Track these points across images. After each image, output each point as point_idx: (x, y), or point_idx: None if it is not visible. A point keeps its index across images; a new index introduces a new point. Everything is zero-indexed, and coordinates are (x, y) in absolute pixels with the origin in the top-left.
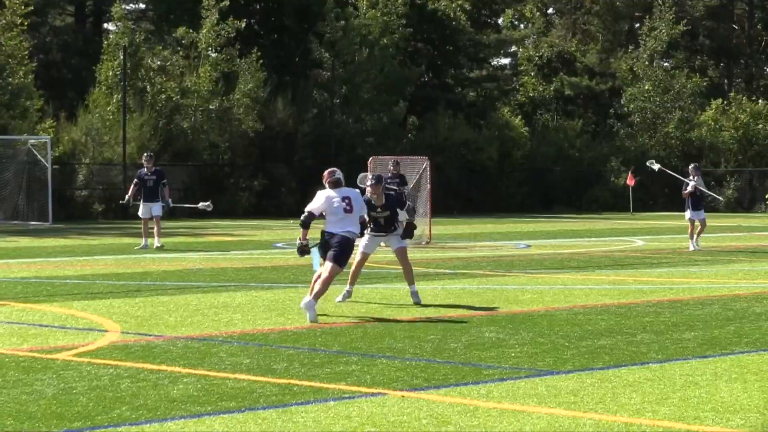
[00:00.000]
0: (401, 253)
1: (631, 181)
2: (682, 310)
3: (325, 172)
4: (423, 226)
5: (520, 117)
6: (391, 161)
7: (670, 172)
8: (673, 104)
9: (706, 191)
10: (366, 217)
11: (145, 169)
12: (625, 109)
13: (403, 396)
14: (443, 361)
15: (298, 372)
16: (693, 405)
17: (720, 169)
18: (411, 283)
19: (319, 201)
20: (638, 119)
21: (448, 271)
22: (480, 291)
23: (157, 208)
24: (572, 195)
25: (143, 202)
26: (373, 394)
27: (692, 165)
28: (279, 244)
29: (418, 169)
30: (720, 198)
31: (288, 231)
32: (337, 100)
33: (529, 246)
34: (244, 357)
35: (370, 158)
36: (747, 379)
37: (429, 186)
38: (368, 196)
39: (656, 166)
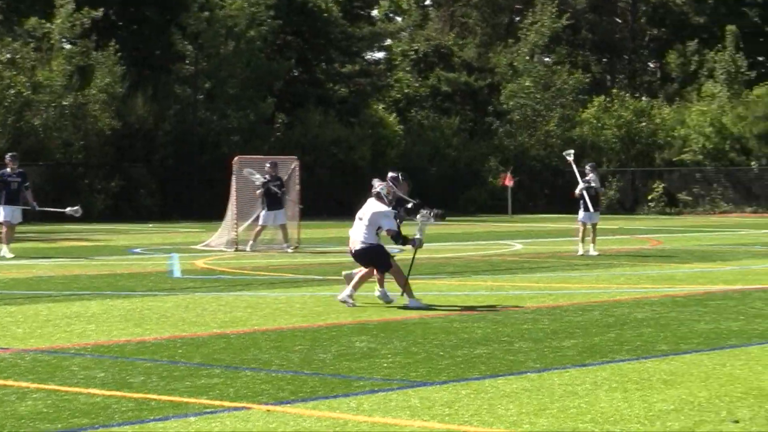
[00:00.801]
0: None
1: (508, 182)
2: (561, 317)
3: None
4: (291, 229)
5: (394, 114)
6: (267, 162)
7: (575, 168)
8: (554, 101)
9: (582, 192)
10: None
11: (9, 170)
12: (504, 106)
13: (268, 410)
14: (311, 373)
15: (157, 386)
16: (572, 416)
17: (602, 169)
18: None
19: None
20: (518, 117)
21: (317, 277)
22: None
23: (19, 213)
24: (448, 196)
25: (5, 205)
26: (236, 409)
27: (589, 164)
28: (137, 250)
29: (287, 170)
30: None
31: (147, 235)
32: (201, 96)
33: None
34: (98, 370)
35: (236, 158)
36: (627, 388)
37: (298, 187)
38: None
39: (571, 157)
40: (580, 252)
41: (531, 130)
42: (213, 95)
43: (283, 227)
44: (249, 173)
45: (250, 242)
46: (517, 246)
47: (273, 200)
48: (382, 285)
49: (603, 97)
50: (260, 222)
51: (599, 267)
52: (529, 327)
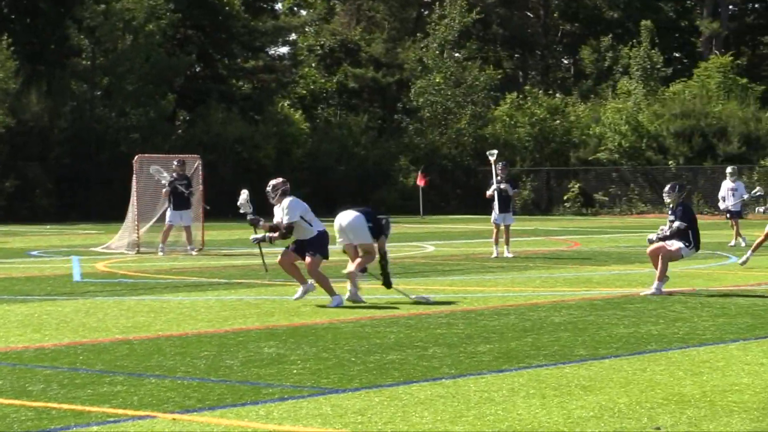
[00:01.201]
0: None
1: (421, 181)
2: (476, 321)
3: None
4: (195, 231)
5: (300, 111)
6: (175, 161)
7: (494, 169)
8: (466, 98)
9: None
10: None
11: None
12: (414, 103)
13: (174, 419)
14: (218, 380)
15: (57, 394)
16: (489, 423)
17: (515, 168)
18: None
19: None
20: (428, 114)
21: (222, 281)
22: (258, 302)
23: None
24: (357, 196)
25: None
26: (140, 417)
27: (501, 163)
28: (34, 252)
29: (189, 169)
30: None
31: (45, 237)
32: (98, 92)
33: None
34: None
35: (136, 156)
36: (545, 395)
37: (201, 187)
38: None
39: (494, 157)
40: (495, 254)
41: (442, 128)
42: (111, 91)
43: (188, 228)
44: (156, 171)
45: (161, 245)
46: (430, 248)
47: (180, 200)
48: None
49: (515, 94)
50: (167, 221)
51: (514, 269)
52: (443, 332)
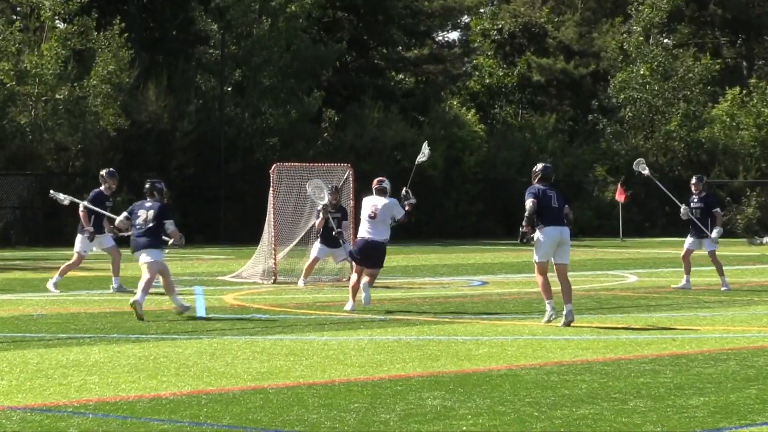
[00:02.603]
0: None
1: (620, 196)
2: (687, 368)
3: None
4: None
5: (473, 111)
6: (327, 187)
7: (659, 183)
8: (676, 94)
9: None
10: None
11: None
12: (614, 100)
13: None
14: None
15: None
16: None
17: (737, 181)
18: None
19: None
20: (630, 114)
21: (377, 317)
22: (420, 343)
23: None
24: None
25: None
26: None
27: (695, 177)
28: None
29: (337, 180)
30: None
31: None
32: (229, 88)
33: (486, 283)
34: None
35: (273, 166)
36: None
37: (351, 202)
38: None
39: (645, 171)
40: (681, 284)
41: (647, 131)
42: (244, 87)
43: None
44: (316, 189)
45: (302, 278)
46: (631, 278)
47: (329, 236)
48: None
49: (738, 89)
50: (314, 254)
51: (735, 304)
52: (647, 380)
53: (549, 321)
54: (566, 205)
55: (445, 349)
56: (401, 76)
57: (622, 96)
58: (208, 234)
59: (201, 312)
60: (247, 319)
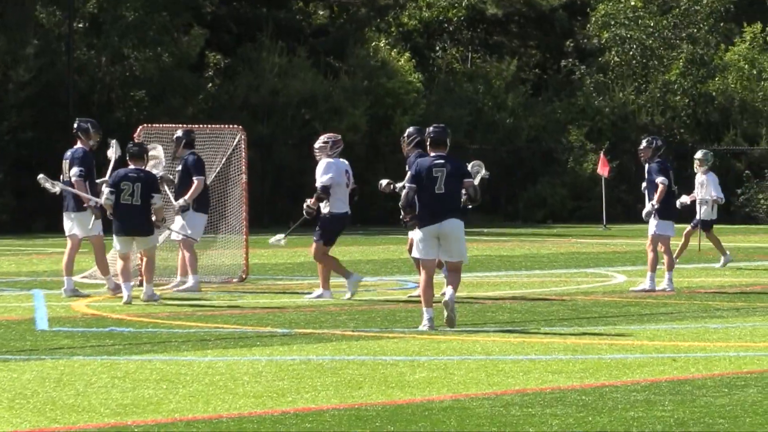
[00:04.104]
0: None
1: (604, 169)
2: (693, 398)
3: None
4: (234, 249)
5: (407, 55)
6: (181, 132)
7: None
8: (678, 33)
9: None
10: None
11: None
12: (595, 41)
13: None
14: None
15: None
16: None
17: (759, 148)
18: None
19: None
20: (617, 59)
21: (278, 331)
22: (336, 365)
23: None
24: (501, 192)
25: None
26: None
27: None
28: None
29: (223, 147)
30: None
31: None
32: (80, 25)
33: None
34: None
35: (139, 128)
36: None
37: (244, 177)
38: None
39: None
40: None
41: (639, 82)
42: (100, 23)
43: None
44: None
45: (191, 276)
46: (618, 278)
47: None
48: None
49: (760, 25)
50: (186, 234)
51: (755, 313)
52: (638, 414)
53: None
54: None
55: (369, 374)
56: (311, 8)
57: (606, 35)
58: (52, 219)
59: (42, 324)
60: (105, 334)
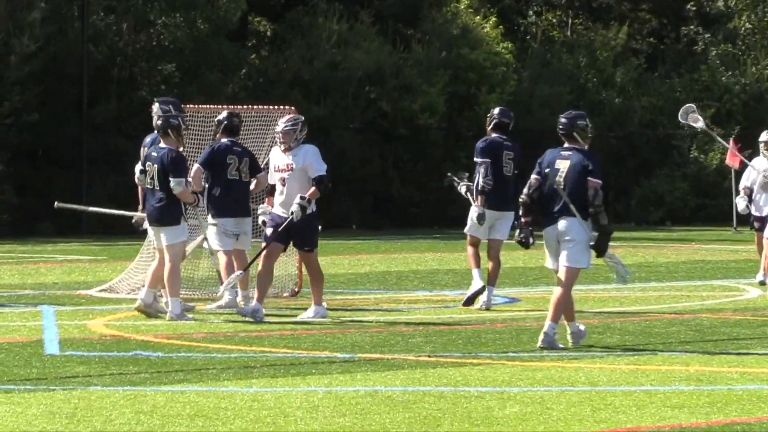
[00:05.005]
0: None
1: (734, 160)
2: None
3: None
4: (284, 257)
5: (493, 20)
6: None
7: (724, 143)
8: None
9: None
10: None
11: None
12: (720, 2)
13: None
14: None
15: None
16: None
17: None
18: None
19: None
20: (749, 26)
21: (339, 356)
22: (409, 398)
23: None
24: (606, 189)
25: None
26: None
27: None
28: None
29: (270, 133)
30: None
31: None
32: None
33: (516, 300)
34: None
35: (155, 102)
36: None
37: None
38: None
39: (699, 123)
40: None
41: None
42: None
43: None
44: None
45: (224, 289)
46: (752, 292)
47: (236, 192)
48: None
49: None
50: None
51: None
52: None
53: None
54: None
55: (449, 408)
56: None
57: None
58: (62, 220)
59: (51, 347)
60: (128, 359)
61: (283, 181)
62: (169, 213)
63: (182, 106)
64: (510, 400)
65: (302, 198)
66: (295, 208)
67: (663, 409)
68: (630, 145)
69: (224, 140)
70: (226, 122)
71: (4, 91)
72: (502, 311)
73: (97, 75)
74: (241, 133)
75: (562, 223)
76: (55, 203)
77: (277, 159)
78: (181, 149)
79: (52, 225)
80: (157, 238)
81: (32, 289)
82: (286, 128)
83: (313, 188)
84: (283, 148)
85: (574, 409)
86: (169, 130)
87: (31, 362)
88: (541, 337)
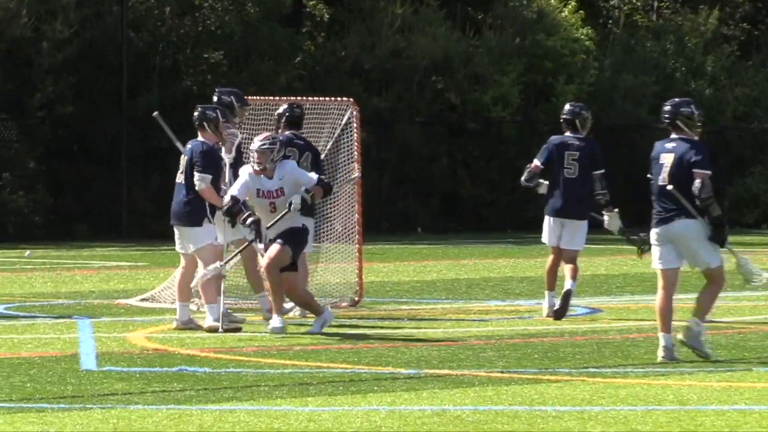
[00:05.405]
0: None
1: None
2: None
3: None
4: (344, 263)
5: (573, 3)
6: (286, 106)
7: None
8: None
9: None
10: None
11: None
12: None
13: None
14: None
15: None
16: None
17: None
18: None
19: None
20: None
21: (404, 371)
22: (481, 418)
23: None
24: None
25: None
26: None
27: None
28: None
29: (328, 127)
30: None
31: (21, 274)
32: None
33: (598, 311)
34: None
35: (216, 92)
36: None
37: (357, 167)
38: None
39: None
40: None
41: None
42: None
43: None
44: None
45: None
46: None
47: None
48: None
49: None
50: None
51: None
52: None
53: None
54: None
55: (524, 429)
56: None
57: None
58: (100, 222)
59: (88, 362)
60: (172, 375)
61: (273, 206)
62: (191, 212)
63: (246, 98)
64: (591, 420)
65: (307, 191)
66: (296, 199)
67: (759, 431)
68: (722, 140)
69: (287, 133)
70: (287, 114)
71: (36, 81)
72: (582, 323)
73: (137, 63)
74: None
75: (678, 224)
76: (155, 113)
77: (259, 182)
78: (219, 144)
79: (89, 228)
80: (179, 241)
81: (67, 299)
82: (263, 147)
83: (318, 186)
84: (258, 168)
85: (662, 431)
86: (205, 123)
87: (65, 378)
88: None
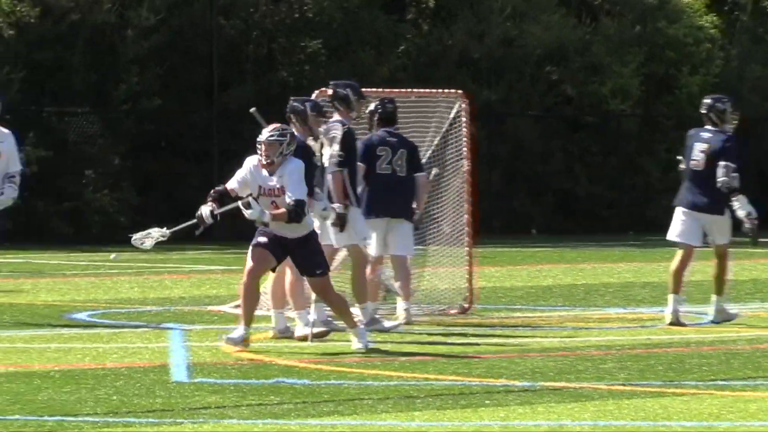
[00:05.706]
0: None
1: None
2: None
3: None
4: (452, 267)
5: None
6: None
7: None
8: None
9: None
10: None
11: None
12: None
13: None
14: None
15: None
16: None
17: None
18: None
19: None
20: None
21: (518, 384)
22: None
23: None
24: None
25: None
26: None
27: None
28: (81, 315)
29: (435, 121)
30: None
31: (106, 280)
32: None
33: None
34: None
35: (316, 93)
36: None
37: (467, 164)
38: None
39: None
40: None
41: None
42: None
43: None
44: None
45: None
46: None
47: (386, 189)
48: None
49: None
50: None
51: None
52: None
53: None
54: None
55: None
56: None
57: None
58: (181, 220)
59: (179, 373)
60: (269, 388)
61: (274, 206)
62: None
63: (361, 90)
64: None
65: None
66: (255, 214)
67: None
68: None
69: (379, 131)
70: (380, 111)
71: (121, 72)
72: (709, 332)
73: (228, 53)
74: (399, 121)
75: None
76: (252, 109)
77: (261, 177)
78: (312, 138)
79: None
80: None
81: (155, 305)
82: (272, 138)
83: (281, 210)
84: (264, 162)
85: None
86: (292, 116)
87: (154, 390)
88: None
